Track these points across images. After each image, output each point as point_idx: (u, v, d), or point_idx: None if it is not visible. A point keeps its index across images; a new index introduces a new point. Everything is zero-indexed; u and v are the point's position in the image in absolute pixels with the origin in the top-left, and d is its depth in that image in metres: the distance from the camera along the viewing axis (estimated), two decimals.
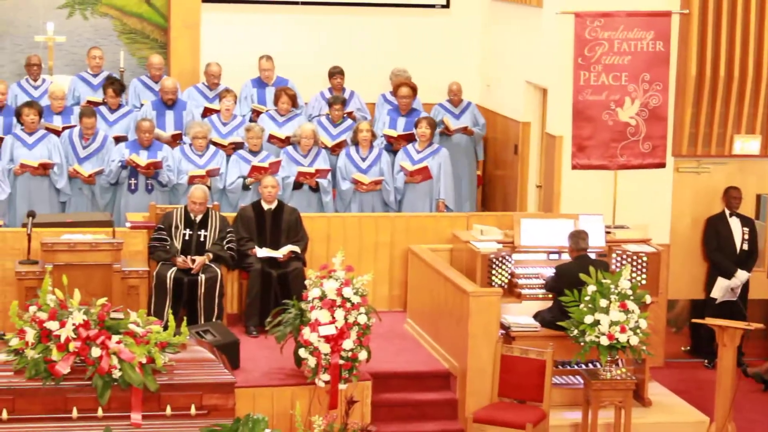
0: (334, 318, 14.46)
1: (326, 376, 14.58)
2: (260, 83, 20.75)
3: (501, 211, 19.61)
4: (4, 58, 21.41)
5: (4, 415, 13.67)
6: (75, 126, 19.13)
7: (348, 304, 14.51)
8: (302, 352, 14.66)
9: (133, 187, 18.77)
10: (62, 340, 13.69)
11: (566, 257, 16.02)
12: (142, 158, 18.52)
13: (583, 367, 15.57)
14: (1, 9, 21.59)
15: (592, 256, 15.88)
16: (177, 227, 16.90)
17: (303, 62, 21.24)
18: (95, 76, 20.52)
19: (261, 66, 20.75)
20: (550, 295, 15.84)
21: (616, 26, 17.60)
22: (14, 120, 19.12)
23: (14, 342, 13.84)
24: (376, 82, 21.08)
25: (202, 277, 16.63)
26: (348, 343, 14.48)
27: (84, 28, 21.67)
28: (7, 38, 21.55)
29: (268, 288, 16.90)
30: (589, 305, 14.87)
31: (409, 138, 19.63)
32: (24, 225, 16.50)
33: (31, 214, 16.62)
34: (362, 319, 14.56)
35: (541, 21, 18.94)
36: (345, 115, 20.01)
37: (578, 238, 15.82)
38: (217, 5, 21.67)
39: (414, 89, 20.37)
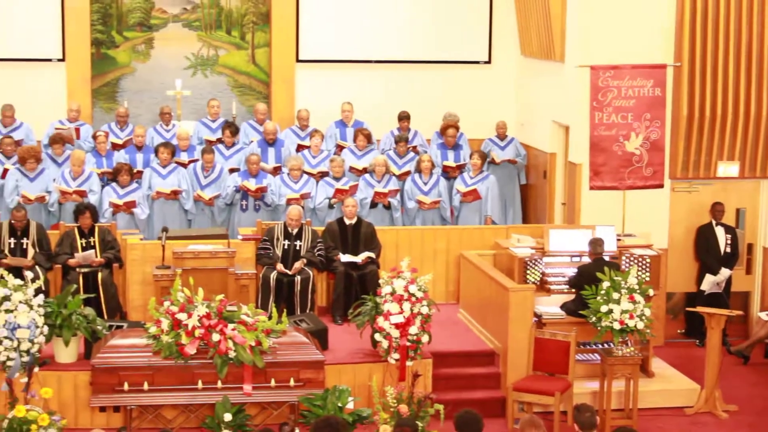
0: (402, 309, 14.45)
1: (396, 355, 14.57)
2: (342, 124, 20.75)
3: (533, 224, 19.51)
4: (143, 109, 21.45)
5: (145, 386, 13.78)
6: (198, 160, 19.18)
7: (413, 298, 14.51)
8: (377, 336, 14.65)
9: (244, 207, 18.80)
10: (189, 327, 13.81)
11: (586, 259, 15.94)
12: (252, 184, 18.55)
13: (600, 346, 15.46)
14: (141, 71, 21.68)
15: (606, 258, 15.79)
16: (278, 239, 16.93)
17: (376, 107, 21.18)
18: (213, 121, 20.56)
19: (343, 109, 20.75)
20: (573, 290, 15.74)
21: (623, 76, 17.50)
22: (152, 156, 19.20)
23: (152, 329, 13.96)
24: (435, 122, 21.02)
25: (298, 277, 16.65)
26: (413, 329, 14.47)
27: (204, 84, 21.72)
28: (146, 93, 21.61)
29: (349, 286, 16.90)
30: (604, 297, 14.79)
31: (461, 168, 19.60)
32: (159, 238, 16.54)
33: (165, 229, 16.69)
34: (424, 310, 14.55)
35: (564, 73, 18.88)
36: (409, 149, 19.99)
37: (596, 244, 15.76)
38: (308, 64, 21.67)
39: (457, 129, 20.35)
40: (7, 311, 13.66)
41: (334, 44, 21.74)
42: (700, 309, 16.12)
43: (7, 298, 13.71)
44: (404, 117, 20.72)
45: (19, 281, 13.97)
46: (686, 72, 17.73)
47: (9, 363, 13.70)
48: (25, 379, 13.62)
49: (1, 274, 14.19)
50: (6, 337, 13.66)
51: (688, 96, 17.79)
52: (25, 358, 13.72)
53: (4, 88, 20.64)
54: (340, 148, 20.29)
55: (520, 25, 21.16)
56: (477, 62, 21.97)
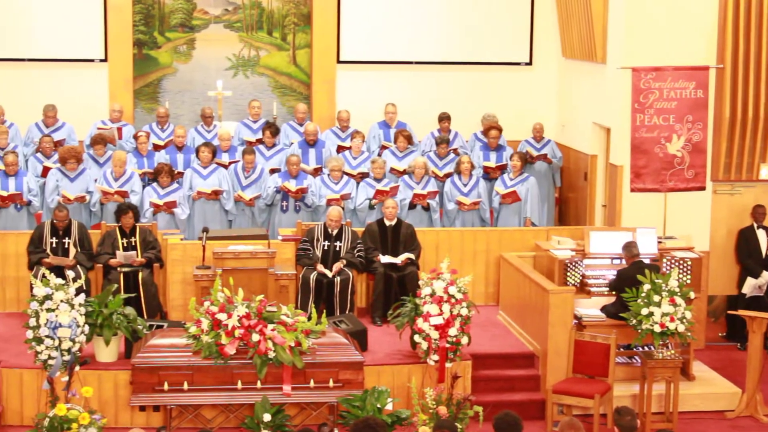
0: (442, 311, 14.45)
1: (435, 357, 14.57)
2: (386, 125, 20.76)
3: (574, 225, 19.48)
4: (185, 109, 21.54)
5: (185, 386, 13.83)
6: (239, 161, 19.23)
7: (453, 300, 14.51)
8: (417, 338, 14.66)
9: (284, 208, 18.82)
10: (229, 327, 13.86)
11: (626, 262, 15.88)
12: (292, 185, 18.58)
13: (640, 349, 15.43)
14: (182, 71, 21.76)
15: (647, 261, 15.74)
16: (318, 239, 16.95)
17: (417, 108, 21.20)
18: (254, 122, 20.61)
19: (386, 110, 20.79)
20: (614, 293, 15.69)
21: (664, 78, 17.46)
22: (193, 157, 19.26)
23: (192, 329, 14.01)
24: (475, 123, 21.03)
25: (337, 278, 16.66)
26: (453, 331, 14.48)
27: (245, 85, 21.78)
28: (187, 93, 21.70)
29: (389, 287, 16.89)
30: (645, 300, 14.77)
31: (502, 168, 19.59)
32: (200, 238, 16.60)
33: (206, 230, 16.75)
34: (464, 312, 14.56)
35: (605, 74, 18.84)
36: (450, 151, 19.99)
37: (630, 247, 15.71)
38: (348, 65, 21.71)
39: (500, 130, 20.32)
40: (49, 310, 13.74)
41: (374, 45, 21.77)
42: (741, 312, 16.05)
43: (48, 297, 13.78)
44: (445, 118, 20.73)
45: (60, 280, 14.03)
46: (729, 74, 17.69)
47: (50, 362, 13.79)
48: (66, 378, 13.72)
49: (43, 274, 14.28)
50: (47, 336, 13.74)
51: (731, 98, 17.75)
52: (66, 357, 13.79)
53: (47, 89, 20.77)
54: (383, 148, 20.31)
55: (561, 26, 21.14)
56: (518, 64, 21.95)
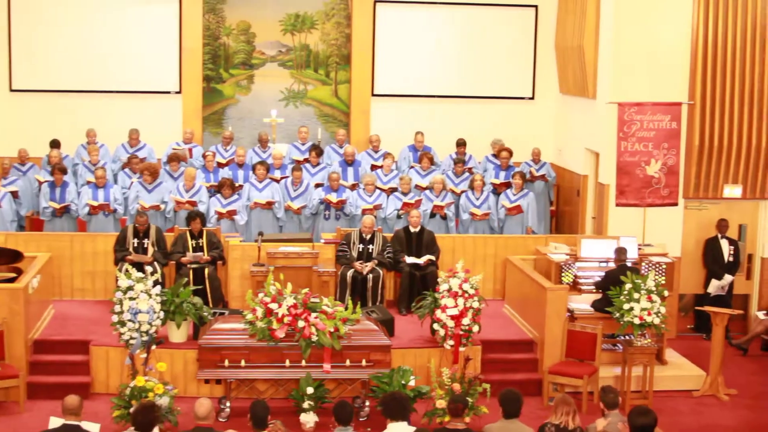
0: (456, 303, 14.46)
1: (451, 342, 14.58)
2: (414, 149, 20.78)
3: (568, 234, 19.44)
4: (245, 133, 21.59)
5: (243, 363, 13.84)
6: (289, 177, 19.27)
7: (466, 295, 14.51)
8: (435, 326, 14.67)
9: (326, 216, 18.83)
10: (279, 315, 13.85)
11: (612, 265, 15.87)
12: (333, 198, 18.61)
13: (622, 338, 15.40)
14: (243, 102, 21.83)
15: (629, 264, 15.72)
16: (354, 243, 16.96)
17: (437, 134, 21.19)
18: (302, 144, 20.65)
19: (416, 138, 20.79)
20: (601, 291, 15.68)
21: (645, 112, 17.47)
22: (250, 173, 19.31)
23: (249, 316, 14.02)
24: (485, 147, 21.05)
25: (370, 275, 16.68)
26: (466, 320, 14.49)
27: (295, 113, 21.82)
28: (247, 120, 21.76)
29: (413, 283, 16.89)
30: (627, 297, 14.75)
31: (508, 185, 19.59)
32: (256, 241, 16.64)
33: (261, 234, 16.78)
34: (475, 305, 14.56)
35: (595, 108, 18.82)
36: (465, 170, 20.00)
37: (621, 252, 15.67)
38: (381, 98, 21.75)
39: (511, 153, 20.34)
40: (131, 299, 13.84)
41: (402, 82, 21.81)
42: (707, 308, 16.06)
43: (131, 288, 13.89)
44: (461, 143, 20.76)
45: (140, 274, 14.13)
46: (698, 109, 17.65)
47: (132, 341, 13.87)
48: (145, 355, 13.77)
49: (126, 268, 14.37)
50: (129, 320, 13.85)
51: (700, 129, 17.70)
52: (145, 338, 13.87)
53: (132, 115, 20.89)
54: (410, 167, 20.36)
55: (559, 67, 21.14)
56: (522, 98, 21.96)
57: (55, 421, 10.93)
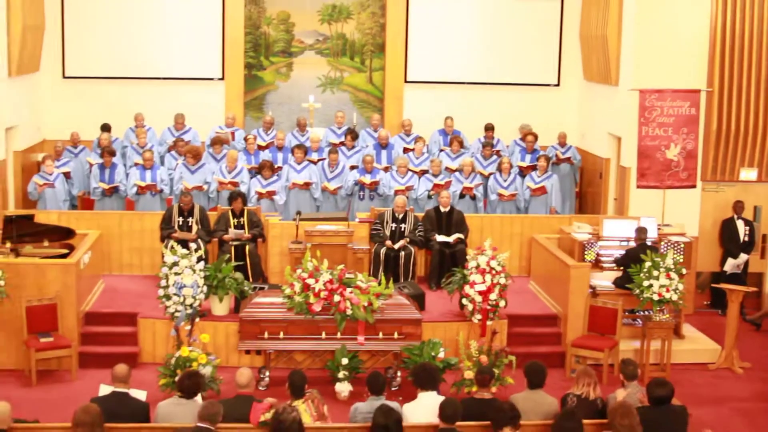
0: (484, 280, 14.48)
1: (479, 316, 14.61)
2: (444, 133, 20.76)
3: (591, 214, 19.38)
4: (284, 117, 21.61)
5: (281, 335, 13.87)
6: (325, 159, 19.29)
7: (493, 271, 14.52)
8: (464, 301, 14.70)
9: (361, 197, 18.86)
10: (316, 290, 13.87)
11: (632, 244, 15.82)
12: (367, 179, 18.63)
13: (642, 313, 15.36)
14: (283, 88, 21.85)
15: (649, 243, 15.67)
16: (387, 222, 16.98)
17: (467, 119, 21.16)
18: (339, 128, 20.67)
19: (446, 123, 20.78)
20: (621, 268, 15.64)
21: (665, 98, 17.37)
22: (289, 155, 19.35)
23: (287, 291, 14.04)
24: (514, 131, 21.00)
25: (402, 253, 16.70)
26: (493, 296, 14.51)
27: (332, 99, 21.82)
28: (286, 105, 21.78)
29: (443, 260, 16.89)
30: (646, 274, 14.70)
31: (533, 168, 19.55)
32: (294, 219, 16.68)
33: (299, 213, 16.82)
34: (502, 281, 14.57)
35: (618, 94, 18.76)
36: (493, 153, 19.97)
37: (641, 232, 15.61)
38: (413, 84, 21.71)
39: (536, 137, 20.29)
40: (176, 274, 13.91)
41: (434, 69, 21.75)
42: (722, 285, 16.00)
43: (176, 264, 13.95)
44: (489, 128, 20.72)
45: (185, 251, 14.18)
46: (716, 96, 17.58)
47: (177, 314, 13.95)
48: (189, 327, 13.85)
49: (171, 245, 14.43)
50: (175, 294, 13.91)
51: (717, 114, 17.64)
52: (189, 311, 13.94)
53: (178, 101, 20.95)
54: (441, 150, 20.34)
55: (583, 56, 21.06)
56: (548, 85, 21.87)
57: (105, 389, 11.01)
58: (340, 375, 13.83)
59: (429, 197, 18.72)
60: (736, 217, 17.85)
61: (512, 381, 13.55)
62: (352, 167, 19.34)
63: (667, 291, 14.62)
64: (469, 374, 13.41)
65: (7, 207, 18.11)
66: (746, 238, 17.79)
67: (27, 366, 14.26)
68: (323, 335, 13.97)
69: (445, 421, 10.00)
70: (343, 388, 13.82)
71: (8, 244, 15.39)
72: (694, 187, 17.82)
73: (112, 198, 18.56)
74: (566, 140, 20.63)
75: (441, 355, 13.79)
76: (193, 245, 14.70)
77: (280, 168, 19.10)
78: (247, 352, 14.49)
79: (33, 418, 11.31)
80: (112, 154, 18.74)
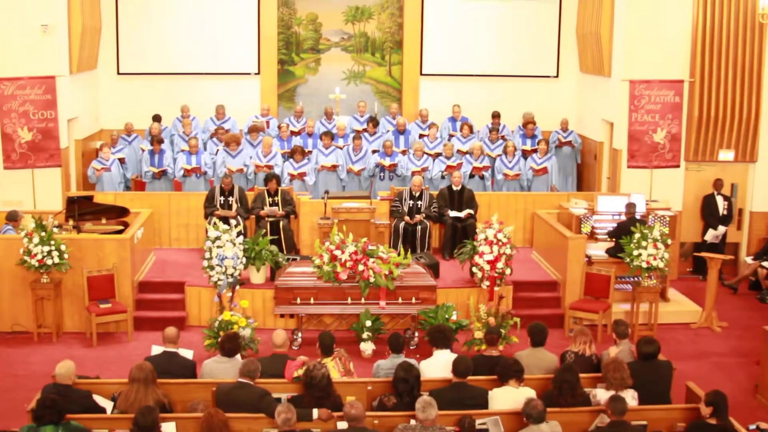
0: (492, 250, 14.46)
1: (487, 282, 14.59)
2: (453, 119, 20.72)
3: (586, 191, 19.33)
4: (313, 107, 21.57)
5: (312, 300, 13.91)
6: (350, 144, 19.30)
7: (500, 243, 14.48)
8: (474, 269, 14.68)
9: (381, 177, 18.87)
10: (342, 260, 13.89)
11: (623, 218, 15.79)
12: (387, 162, 18.63)
13: (632, 279, 15.36)
14: (312, 81, 21.75)
15: (638, 216, 15.65)
16: (405, 199, 16.98)
17: (476, 107, 21.09)
18: (361, 117, 20.65)
19: (453, 109, 20.73)
20: (613, 239, 15.62)
21: (652, 88, 17.33)
22: (318, 141, 19.36)
23: (317, 261, 14.08)
24: (518, 118, 20.94)
25: (419, 227, 16.70)
26: (500, 264, 14.48)
27: (355, 90, 21.74)
28: (314, 96, 21.71)
29: (455, 233, 16.90)
30: (636, 245, 14.67)
31: (534, 150, 19.50)
32: (322, 198, 16.69)
33: (326, 192, 16.82)
34: (508, 251, 14.53)
35: (610, 85, 18.68)
36: (499, 138, 19.92)
37: (631, 206, 15.60)
38: (428, 77, 21.60)
39: (534, 123, 20.23)
40: (218, 247, 13.93)
41: (447, 63, 21.66)
42: (703, 254, 15.97)
43: (218, 238, 13.98)
44: (496, 115, 20.64)
45: (226, 226, 14.22)
46: (698, 85, 17.50)
47: (219, 283, 13.99)
48: (230, 294, 13.92)
49: (214, 222, 14.48)
50: (217, 265, 13.93)
51: (699, 102, 17.56)
52: (230, 280, 13.99)
53: (219, 93, 20.95)
54: (450, 136, 20.30)
55: (579, 50, 20.97)
56: (548, 76, 21.76)
57: (157, 349, 11.10)
58: (364, 335, 13.89)
59: (442, 177, 18.72)
60: (715, 193, 17.80)
61: (517, 340, 13.59)
62: (374, 151, 19.34)
63: (654, 259, 14.60)
64: (478, 334, 13.47)
65: (70, 189, 18.19)
66: (725, 212, 17.76)
67: (88, 329, 14.38)
68: (349, 300, 14.02)
69: (457, 376, 10.06)
70: (367, 347, 13.88)
71: (71, 222, 15.49)
72: (678, 166, 17.79)
73: (161, 180, 18.62)
74: (568, 126, 20.58)
75: (454, 317, 13.83)
76: (233, 221, 14.74)
77: (310, 152, 19.11)
78: (282, 315, 14.55)
79: (94, 375, 11.42)
80: (161, 141, 18.80)
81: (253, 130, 19.41)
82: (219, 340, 11.20)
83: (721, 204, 17.75)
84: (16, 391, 12.43)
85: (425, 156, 18.98)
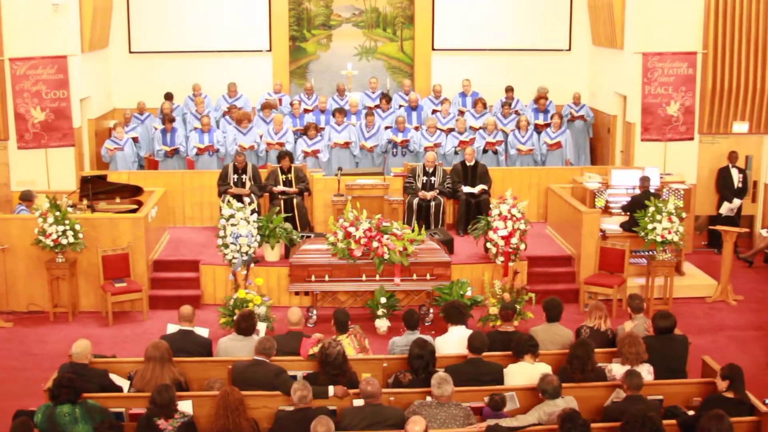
0: (506, 225, 14.44)
1: (502, 258, 14.59)
2: (463, 94, 20.65)
3: (600, 165, 19.30)
4: (325, 84, 21.55)
5: (326, 278, 13.92)
6: (362, 121, 19.25)
7: (514, 218, 14.47)
8: (488, 245, 14.69)
9: (394, 154, 18.85)
10: (357, 237, 13.90)
11: (637, 191, 15.75)
12: (399, 137, 18.60)
13: (647, 253, 15.32)
14: (323, 57, 21.73)
15: (652, 190, 15.60)
16: (419, 175, 16.95)
17: (489, 82, 21.04)
18: (373, 93, 20.60)
19: (463, 84, 20.66)
20: (628, 213, 15.58)
21: (665, 60, 17.27)
22: (331, 117, 19.33)
23: (331, 239, 14.09)
24: (531, 92, 20.86)
25: (432, 203, 16.68)
26: (514, 240, 14.47)
27: (367, 66, 21.71)
28: (327, 73, 21.70)
29: (469, 208, 16.88)
30: (650, 218, 14.62)
31: (547, 125, 19.44)
32: (336, 175, 16.70)
33: (340, 169, 16.85)
34: (522, 226, 14.52)
35: (623, 57, 18.58)
36: (512, 112, 19.87)
37: (645, 180, 15.57)
38: (440, 52, 21.53)
39: (546, 98, 20.15)
40: (233, 225, 13.95)
41: (459, 38, 21.58)
42: (718, 227, 15.92)
43: (232, 216, 13.99)
44: (509, 89, 20.60)
45: (240, 204, 14.24)
46: (711, 57, 17.41)
47: (234, 261, 14.02)
48: (245, 272, 13.95)
49: (228, 200, 14.47)
50: (232, 243, 13.95)
51: (712, 74, 17.47)
52: (245, 258, 14.02)
53: (231, 71, 20.93)
54: (461, 112, 20.24)
55: (591, 22, 20.86)
56: (561, 50, 21.66)
57: (172, 327, 11.13)
58: (379, 312, 13.90)
59: (455, 153, 18.67)
60: (730, 165, 17.72)
61: (532, 315, 13.59)
62: (387, 127, 19.30)
63: (669, 233, 14.55)
64: (493, 310, 13.47)
65: (83, 168, 18.22)
66: (740, 185, 17.68)
67: (104, 308, 14.44)
68: (364, 277, 14.02)
69: (473, 352, 10.06)
70: (382, 324, 13.90)
71: (85, 201, 15.52)
72: (691, 139, 17.73)
73: (174, 159, 18.65)
74: (580, 100, 20.50)
75: (468, 293, 13.82)
76: (247, 199, 14.77)
77: (322, 129, 19.09)
78: (297, 293, 14.58)
79: (110, 354, 11.46)
80: (172, 120, 18.81)
81: (266, 107, 19.39)
82: (234, 318, 11.22)
83: (736, 176, 17.67)
84: (32, 370, 12.49)
85: (438, 132, 18.93)
